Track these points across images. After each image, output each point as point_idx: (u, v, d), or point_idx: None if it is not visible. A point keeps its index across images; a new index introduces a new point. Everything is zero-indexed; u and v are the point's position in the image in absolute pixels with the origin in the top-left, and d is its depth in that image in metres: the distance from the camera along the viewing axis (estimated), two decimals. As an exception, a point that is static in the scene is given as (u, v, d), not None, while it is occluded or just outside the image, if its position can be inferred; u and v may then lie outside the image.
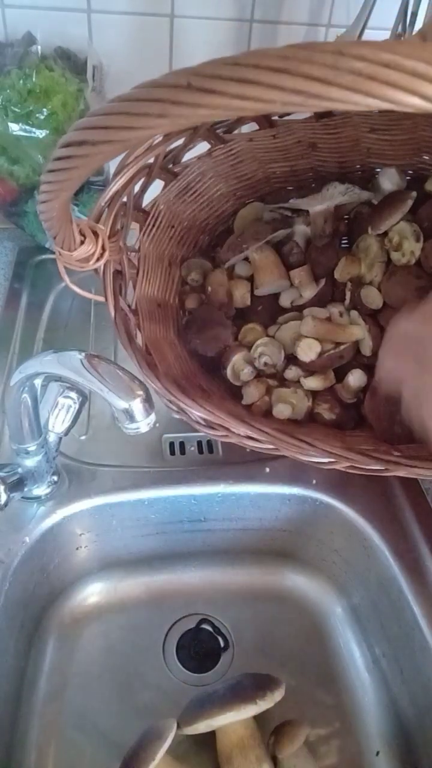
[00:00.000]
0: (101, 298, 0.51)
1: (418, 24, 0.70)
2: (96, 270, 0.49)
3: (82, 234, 0.43)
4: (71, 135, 0.24)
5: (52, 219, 0.35)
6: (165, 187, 0.57)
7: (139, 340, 0.54)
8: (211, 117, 0.20)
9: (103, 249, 0.45)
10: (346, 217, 0.61)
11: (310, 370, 0.55)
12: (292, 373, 0.56)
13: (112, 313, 0.51)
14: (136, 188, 0.52)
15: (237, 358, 0.57)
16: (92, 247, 0.44)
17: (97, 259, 0.45)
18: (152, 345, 0.54)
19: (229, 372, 0.57)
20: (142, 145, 0.47)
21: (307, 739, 0.53)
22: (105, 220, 0.47)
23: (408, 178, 0.57)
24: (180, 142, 0.53)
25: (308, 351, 0.53)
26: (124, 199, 0.50)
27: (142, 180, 0.52)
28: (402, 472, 0.45)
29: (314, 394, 0.55)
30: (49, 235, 0.39)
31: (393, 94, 0.18)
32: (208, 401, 0.50)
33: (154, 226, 0.58)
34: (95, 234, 0.44)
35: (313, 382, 0.55)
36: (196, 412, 0.48)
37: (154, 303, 0.59)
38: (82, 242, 0.43)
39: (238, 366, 0.57)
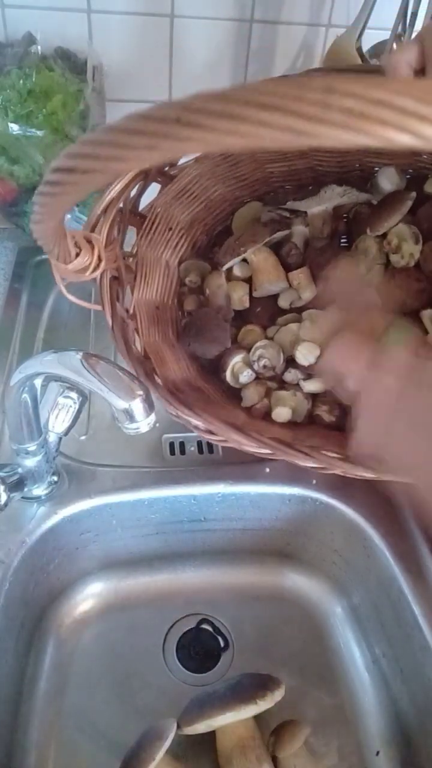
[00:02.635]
0: (98, 307, 0.51)
1: (418, 24, 0.70)
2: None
3: (77, 246, 0.42)
4: (61, 161, 0.25)
5: (46, 238, 0.35)
6: (162, 190, 0.56)
7: (138, 345, 0.54)
8: (201, 150, 0.20)
9: (100, 259, 0.45)
10: (345, 216, 0.61)
11: (309, 373, 0.55)
12: (291, 375, 0.56)
13: (110, 322, 0.51)
14: (132, 193, 0.52)
15: (236, 361, 0.57)
16: (88, 258, 0.44)
17: (93, 270, 0.45)
18: (151, 349, 0.55)
19: (228, 375, 0.57)
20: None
21: (307, 739, 0.53)
22: (101, 228, 0.47)
23: (408, 177, 0.57)
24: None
25: (308, 355, 0.53)
26: (121, 205, 0.49)
27: (139, 184, 0.52)
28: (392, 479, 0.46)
29: (314, 396, 0.55)
30: (44, 250, 0.39)
31: (384, 132, 0.18)
32: (207, 407, 0.50)
33: (151, 229, 0.57)
34: (91, 244, 0.44)
35: (312, 385, 0.55)
36: (194, 421, 0.48)
37: (153, 306, 0.59)
38: (77, 254, 0.43)
39: (237, 369, 0.57)
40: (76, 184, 0.25)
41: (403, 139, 0.18)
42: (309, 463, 0.48)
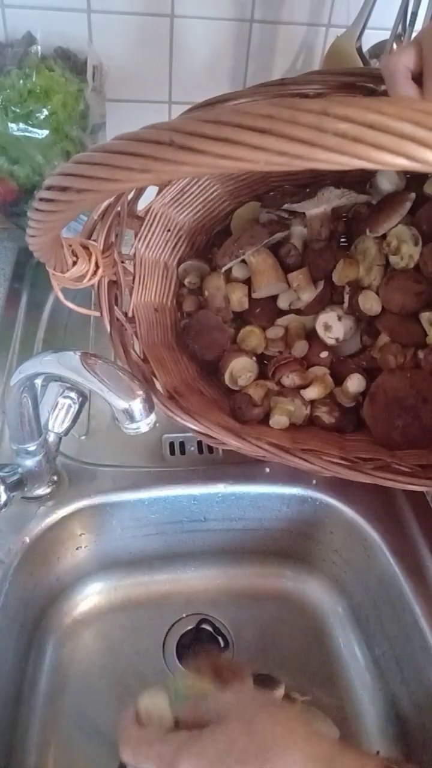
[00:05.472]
0: (97, 314, 0.51)
1: (418, 24, 0.70)
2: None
3: (74, 254, 0.42)
4: (55, 179, 0.24)
5: (42, 250, 0.35)
6: (160, 191, 0.56)
7: (137, 347, 0.54)
8: (195, 174, 0.20)
9: (97, 266, 0.45)
10: (344, 216, 0.61)
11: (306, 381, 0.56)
12: (289, 380, 0.56)
13: (108, 328, 0.51)
14: (130, 195, 0.52)
15: (234, 364, 0.57)
16: (85, 266, 0.44)
17: (91, 277, 0.45)
18: (150, 352, 0.55)
19: (227, 378, 0.57)
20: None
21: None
22: (98, 234, 0.47)
23: (407, 177, 0.57)
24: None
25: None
26: (118, 208, 0.50)
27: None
28: (389, 484, 0.47)
29: (313, 399, 0.55)
30: (40, 260, 0.39)
31: (379, 155, 0.18)
32: (206, 411, 0.50)
33: (149, 231, 0.57)
34: (87, 251, 0.44)
35: (312, 393, 0.55)
36: (193, 427, 0.48)
37: (152, 308, 0.59)
38: (74, 263, 0.42)
39: (236, 372, 0.57)
40: (70, 203, 0.25)
41: (400, 163, 0.18)
42: (307, 467, 0.48)
